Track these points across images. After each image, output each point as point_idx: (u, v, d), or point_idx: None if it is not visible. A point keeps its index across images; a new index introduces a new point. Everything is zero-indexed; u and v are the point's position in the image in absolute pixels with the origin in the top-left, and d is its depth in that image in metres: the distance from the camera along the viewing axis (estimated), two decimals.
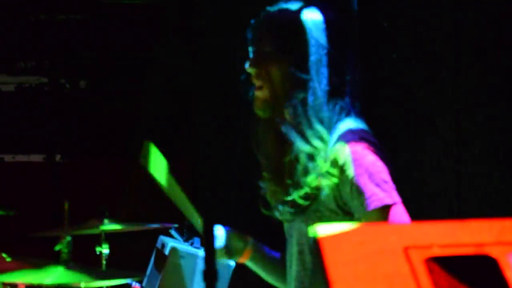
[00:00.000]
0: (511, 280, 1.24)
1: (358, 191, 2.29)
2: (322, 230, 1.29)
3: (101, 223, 3.77)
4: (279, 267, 2.62)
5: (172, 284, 3.30)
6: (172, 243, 3.35)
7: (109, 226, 3.77)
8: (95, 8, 5.64)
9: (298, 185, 2.40)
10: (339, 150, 2.34)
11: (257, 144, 2.56)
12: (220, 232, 2.63)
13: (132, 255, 3.99)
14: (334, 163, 2.35)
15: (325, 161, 2.36)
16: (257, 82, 2.48)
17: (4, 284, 3.35)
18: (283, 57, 2.44)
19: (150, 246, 3.63)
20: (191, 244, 3.34)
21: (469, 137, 3.50)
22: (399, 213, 2.28)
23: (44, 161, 5.63)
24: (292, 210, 2.45)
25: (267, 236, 2.70)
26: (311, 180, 2.37)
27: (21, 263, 3.33)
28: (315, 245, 1.27)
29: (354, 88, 2.48)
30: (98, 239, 3.80)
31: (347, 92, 2.46)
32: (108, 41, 5.67)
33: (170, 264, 3.28)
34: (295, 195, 2.41)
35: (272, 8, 2.49)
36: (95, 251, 3.79)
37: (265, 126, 2.52)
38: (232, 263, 3.14)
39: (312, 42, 2.42)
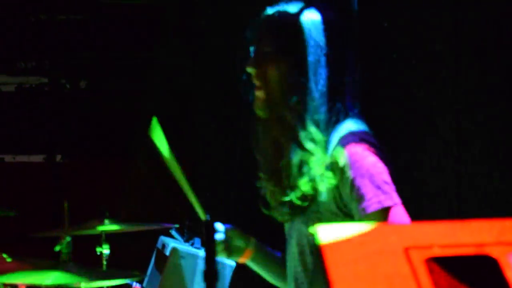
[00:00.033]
0: None
1: (359, 193, 2.29)
2: (323, 230, 1.29)
3: (102, 223, 3.77)
4: (281, 267, 2.62)
5: (172, 284, 3.30)
6: (173, 243, 3.36)
7: (109, 226, 3.77)
8: (95, 8, 5.65)
9: (293, 187, 2.41)
10: (339, 152, 2.34)
11: (257, 144, 2.56)
12: (219, 227, 2.63)
13: (133, 255, 3.99)
14: (334, 164, 2.34)
15: (320, 164, 2.36)
16: (257, 82, 2.48)
17: (5, 285, 3.35)
18: (282, 58, 2.44)
19: (150, 247, 3.63)
20: (192, 245, 3.35)
21: (469, 137, 3.50)
22: (399, 214, 2.28)
23: (44, 161, 5.63)
24: (290, 211, 2.45)
25: (267, 236, 2.70)
26: (304, 183, 2.38)
27: (21, 263, 3.33)
28: (315, 245, 1.27)
29: (354, 89, 2.48)
30: (98, 240, 3.80)
31: (346, 93, 2.45)
32: (108, 41, 5.67)
33: (170, 264, 3.29)
34: (292, 196, 2.41)
35: (273, 9, 2.49)
36: (95, 251, 3.79)
37: (264, 127, 2.53)
38: (232, 263, 3.14)
39: (311, 42, 2.42)
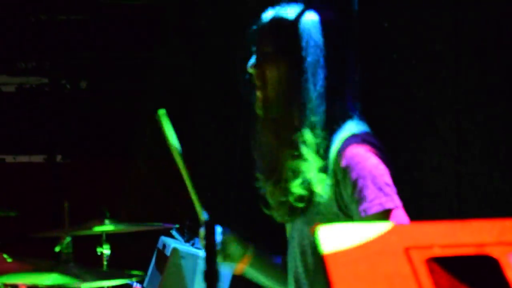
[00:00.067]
0: None
1: (360, 194, 2.28)
2: (323, 231, 1.29)
3: (102, 223, 3.77)
4: (282, 273, 2.61)
5: (173, 284, 3.30)
6: (173, 243, 3.36)
7: (109, 226, 3.77)
8: (95, 8, 5.65)
9: (289, 189, 2.41)
10: (341, 153, 2.34)
11: (255, 144, 2.56)
12: (217, 229, 2.62)
13: (133, 255, 4.00)
14: (337, 166, 2.34)
15: (312, 167, 2.35)
16: (257, 83, 2.48)
17: (5, 285, 3.35)
18: (282, 58, 2.44)
19: (151, 247, 3.64)
20: (192, 245, 3.35)
21: (469, 137, 3.49)
22: (400, 217, 2.28)
23: (45, 161, 5.63)
24: (289, 211, 2.45)
25: (267, 236, 2.69)
26: (295, 185, 2.38)
27: (22, 263, 3.33)
28: (315, 246, 1.27)
29: (354, 89, 2.47)
30: (99, 240, 3.80)
31: (346, 93, 2.45)
32: (108, 41, 5.67)
33: (171, 264, 3.29)
34: (290, 197, 2.41)
35: (273, 9, 2.49)
36: (96, 251, 3.79)
37: (263, 127, 2.53)
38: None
39: (311, 43, 2.41)
